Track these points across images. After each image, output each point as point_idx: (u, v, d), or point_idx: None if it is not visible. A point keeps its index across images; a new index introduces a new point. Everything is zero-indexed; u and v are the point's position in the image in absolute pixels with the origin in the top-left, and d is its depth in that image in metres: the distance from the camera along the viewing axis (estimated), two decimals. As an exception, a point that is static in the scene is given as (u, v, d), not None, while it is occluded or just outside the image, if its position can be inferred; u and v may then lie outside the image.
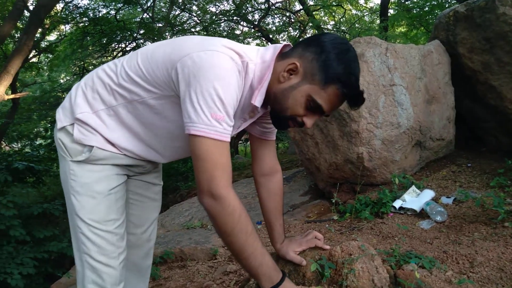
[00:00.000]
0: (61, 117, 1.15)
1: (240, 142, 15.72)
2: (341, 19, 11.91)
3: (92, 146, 1.11)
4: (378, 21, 10.04)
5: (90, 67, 11.44)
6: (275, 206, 1.36)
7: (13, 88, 8.31)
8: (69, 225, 1.18)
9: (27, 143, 13.32)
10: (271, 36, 11.13)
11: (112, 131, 1.13)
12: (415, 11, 9.09)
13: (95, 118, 1.12)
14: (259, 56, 1.06)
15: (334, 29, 11.44)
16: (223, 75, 0.94)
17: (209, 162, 0.95)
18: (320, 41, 1.02)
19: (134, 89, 1.07)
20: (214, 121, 0.94)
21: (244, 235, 0.97)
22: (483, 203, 2.23)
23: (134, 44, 10.63)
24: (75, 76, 12.43)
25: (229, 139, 0.98)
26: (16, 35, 9.05)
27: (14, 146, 13.65)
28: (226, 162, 0.97)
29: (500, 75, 3.11)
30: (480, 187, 2.72)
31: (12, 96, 5.10)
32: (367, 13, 12.37)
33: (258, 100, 1.05)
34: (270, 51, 1.07)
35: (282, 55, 1.08)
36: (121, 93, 1.10)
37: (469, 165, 3.19)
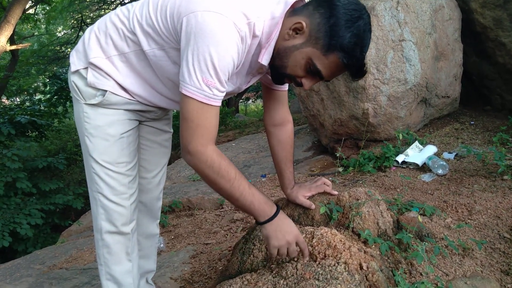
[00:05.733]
0: (75, 60, 1.16)
1: (241, 101, 15.63)
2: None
3: (106, 90, 1.13)
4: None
5: (88, 20, 11.10)
6: (285, 155, 1.40)
7: (11, 40, 8.12)
8: (84, 165, 1.23)
9: (26, 98, 13.23)
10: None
11: (124, 77, 1.15)
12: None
13: (108, 63, 1.13)
14: (269, 12, 1.02)
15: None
16: (221, 42, 0.93)
17: (193, 122, 0.98)
18: (332, 3, 0.97)
19: (144, 38, 1.08)
20: (204, 86, 0.95)
21: (228, 181, 1.02)
22: (484, 158, 2.30)
23: (133, -4, 10.26)
24: (72, 29, 12.10)
25: (218, 104, 1.00)
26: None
27: (13, 101, 13.58)
28: (209, 124, 0.99)
29: (511, 32, 3.06)
30: (482, 143, 2.77)
31: (14, 47, 4.99)
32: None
33: (265, 58, 1.05)
34: (281, 6, 1.04)
35: (293, 10, 1.04)
36: (133, 40, 1.10)
37: (472, 122, 3.23)
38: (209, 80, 0.95)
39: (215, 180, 1.02)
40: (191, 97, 0.97)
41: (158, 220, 1.53)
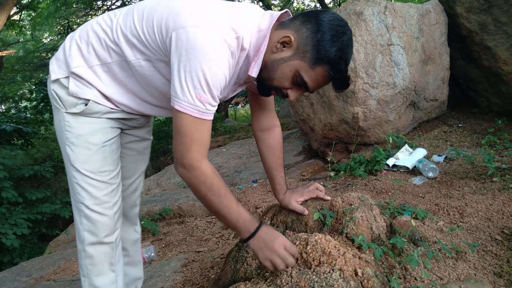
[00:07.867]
0: (55, 69, 1.13)
1: (230, 106, 15.62)
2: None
3: (88, 100, 1.11)
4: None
5: (75, 27, 10.98)
6: (275, 160, 1.39)
7: (-5, 47, 7.97)
8: (66, 174, 1.20)
9: (11, 105, 13.01)
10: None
11: (107, 86, 1.13)
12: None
13: (90, 73, 1.11)
14: (255, 24, 1.04)
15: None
16: (213, 59, 0.94)
17: (187, 137, 0.99)
18: (318, 19, 1.01)
19: (128, 49, 1.06)
20: (197, 101, 0.97)
21: (218, 198, 1.04)
22: (474, 160, 2.32)
23: (120, 2, 10.20)
24: (59, 36, 11.96)
25: (210, 118, 1.02)
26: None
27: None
28: (203, 138, 1.02)
29: (496, 36, 3.12)
30: (470, 146, 2.80)
31: (-3, 54, 4.90)
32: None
33: (255, 71, 1.07)
34: (267, 18, 1.06)
35: (280, 24, 1.06)
36: (116, 51, 1.08)
37: (460, 125, 3.27)
38: (202, 96, 0.96)
39: (206, 195, 1.04)
40: (185, 113, 0.98)
41: (137, 226, 1.51)
